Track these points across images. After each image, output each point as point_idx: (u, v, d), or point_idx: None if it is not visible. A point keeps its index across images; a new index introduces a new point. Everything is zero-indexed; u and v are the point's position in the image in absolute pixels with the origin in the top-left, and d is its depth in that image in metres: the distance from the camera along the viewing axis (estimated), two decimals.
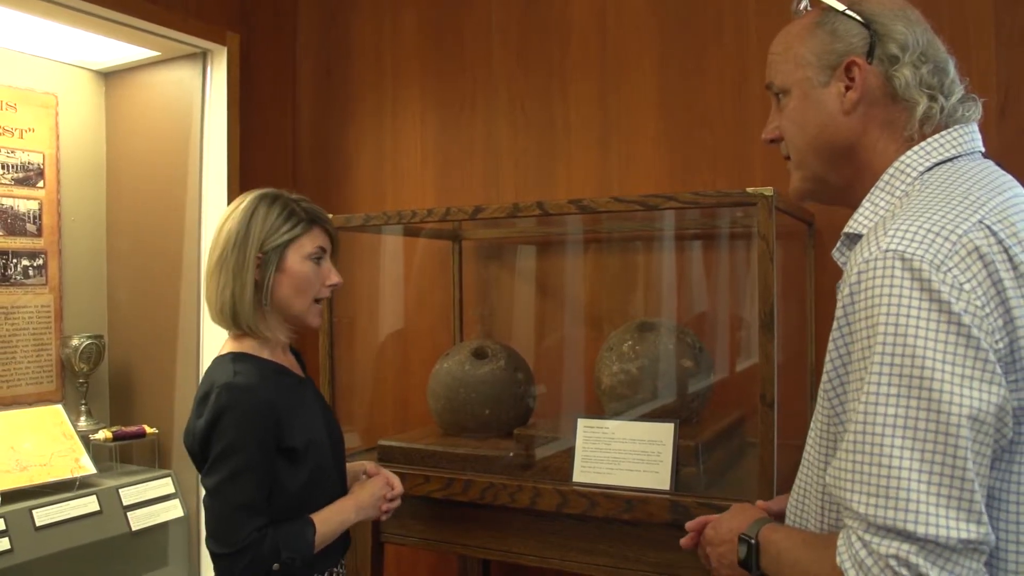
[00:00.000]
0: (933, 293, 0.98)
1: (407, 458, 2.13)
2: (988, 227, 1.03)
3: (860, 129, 1.22)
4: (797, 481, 1.28)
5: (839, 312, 1.08)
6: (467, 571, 2.60)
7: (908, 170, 1.17)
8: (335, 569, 1.76)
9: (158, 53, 2.79)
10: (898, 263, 1.00)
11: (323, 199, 2.96)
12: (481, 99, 2.71)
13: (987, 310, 0.98)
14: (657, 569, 1.82)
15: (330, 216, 1.84)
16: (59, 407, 2.66)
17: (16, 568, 2.23)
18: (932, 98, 1.18)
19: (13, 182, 2.69)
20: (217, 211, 2.72)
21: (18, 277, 2.69)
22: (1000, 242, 1.02)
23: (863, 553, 0.99)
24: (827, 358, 1.12)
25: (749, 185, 1.77)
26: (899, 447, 0.97)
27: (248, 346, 1.71)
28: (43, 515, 2.35)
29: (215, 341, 2.71)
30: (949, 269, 0.99)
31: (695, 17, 2.40)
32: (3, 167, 2.66)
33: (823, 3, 1.25)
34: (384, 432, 2.45)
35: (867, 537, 0.99)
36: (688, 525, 1.45)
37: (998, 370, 0.97)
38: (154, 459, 2.78)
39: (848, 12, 1.22)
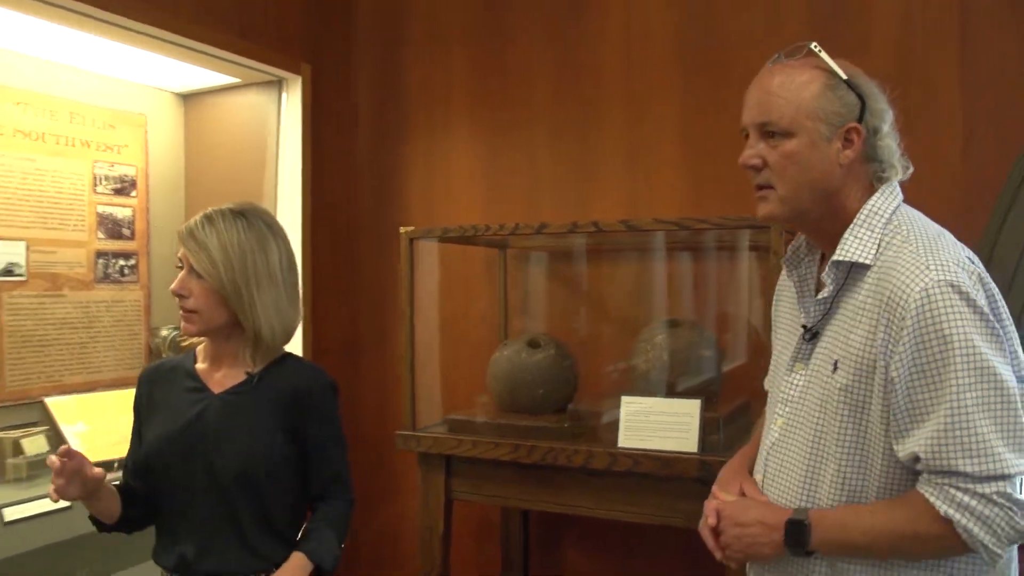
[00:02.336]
0: (977, 308, 1.35)
1: (475, 430, 2.55)
2: (971, 260, 1.43)
3: (844, 178, 1.50)
4: (771, 464, 1.59)
5: (906, 325, 1.37)
6: (508, 523, 3.02)
7: (881, 212, 1.49)
8: None
9: (238, 80, 3.18)
10: (952, 290, 1.35)
11: (379, 213, 3.39)
12: (523, 127, 3.13)
13: (993, 316, 1.38)
14: (687, 516, 2.24)
15: (403, 229, 2.28)
16: None
17: None
18: (898, 161, 1.53)
19: (112, 192, 3.08)
20: (293, 222, 3.13)
21: (117, 275, 3.08)
22: (980, 268, 1.43)
23: (966, 498, 1.33)
24: (882, 360, 1.40)
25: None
26: (983, 419, 1.33)
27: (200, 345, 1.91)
28: None
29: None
30: (978, 292, 1.37)
31: (710, 59, 2.84)
32: (105, 179, 3.05)
33: (829, 67, 1.50)
34: (443, 410, 2.86)
35: (969, 486, 1.33)
36: (710, 511, 1.60)
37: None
38: None
39: (850, 83, 1.49)
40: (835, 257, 1.49)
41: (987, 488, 1.33)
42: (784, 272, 1.73)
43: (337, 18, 3.40)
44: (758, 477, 1.62)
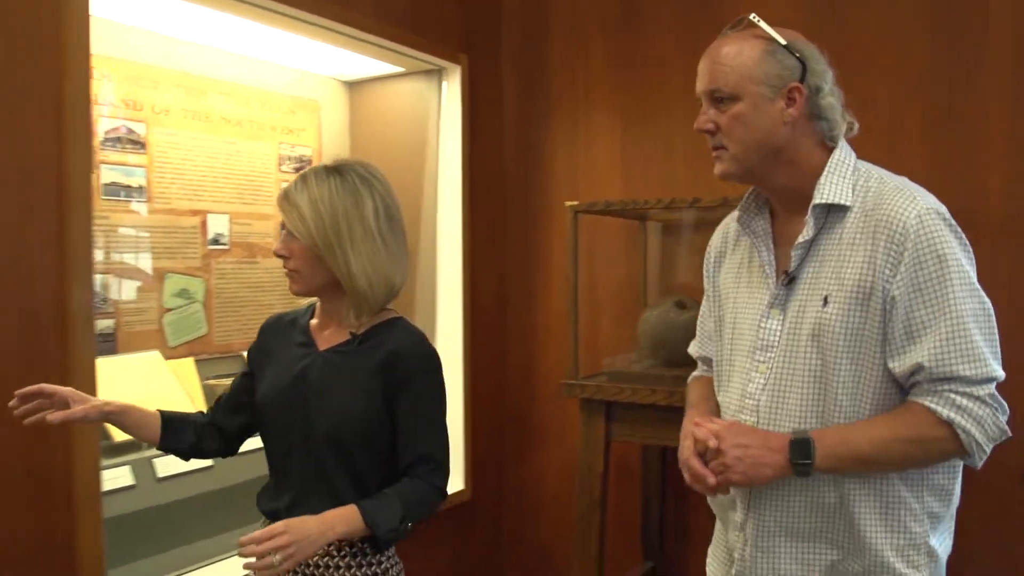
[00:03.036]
0: (959, 234, 1.56)
1: (630, 378, 2.88)
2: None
3: (791, 135, 1.63)
4: (764, 406, 1.66)
5: (906, 247, 1.52)
6: (648, 465, 3.34)
7: (846, 163, 1.64)
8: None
9: (402, 69, 3.54)
10: (938, 217, 1.54)
11: (526, 191, 3.73)
12: (659, 114, 3.43)
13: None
14: None
15: (568, 203, 2.59)
16: None
17: None
18: (842, 116, 1.67)
19: (293, 171, 3.47)
20: (453, 200, 3.50)
21: None
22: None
23: (965, 401, 1.50)
24: (882, 283, 1.54)
25: None
26: (975, 329, 1.51)
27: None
28: None
29: (448, 303, 3.51)
30: (954, 223, 1.57)
31: (835, 48, 3.08)
32: (287, 159, 3.44)
33: (767, 33, 1.64)
34: (589, 365, 3.20)
35: (967, 389, 1.50)
36: (706, 435, 1.59)
37: None
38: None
39: (789, 47, 1.62)
40: (817, 201, 1.61)
41: (981, 391, 1.51)
42: (720, 234, 1.93)
43: (488, 12, 3.74)
44: (750, 420, 1.67)
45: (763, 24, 1.64)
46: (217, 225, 3.16)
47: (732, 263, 1.85)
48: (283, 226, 1.81)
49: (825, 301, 1.58)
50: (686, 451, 1.63)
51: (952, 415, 1.51)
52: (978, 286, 1.55)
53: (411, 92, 3.61)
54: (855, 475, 1.59)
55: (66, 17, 2.10)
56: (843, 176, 1.62)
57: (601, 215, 3.12)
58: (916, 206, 1.54)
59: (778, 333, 1.66)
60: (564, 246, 3.21)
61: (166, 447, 1.86)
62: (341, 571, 1.74)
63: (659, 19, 3.40)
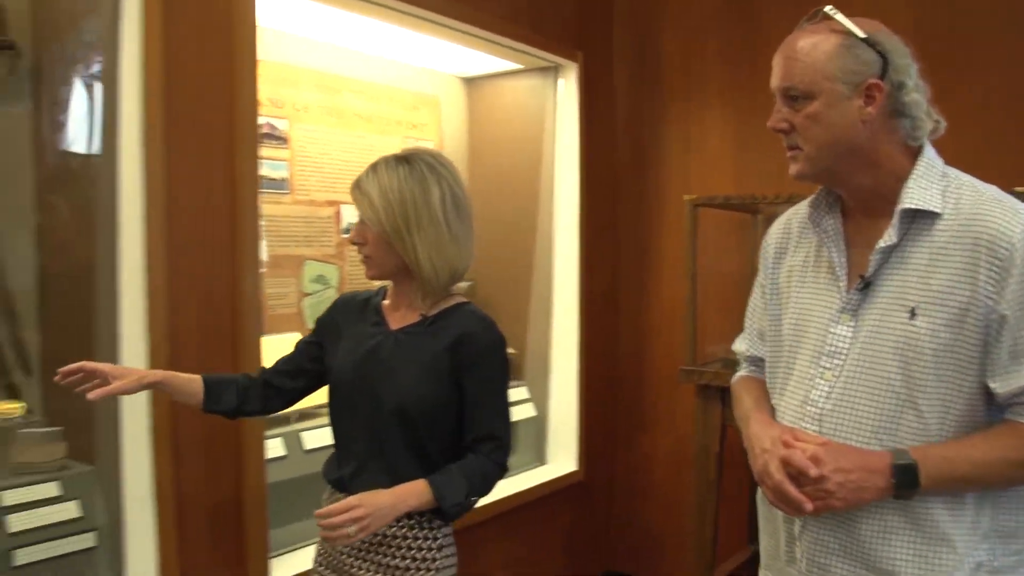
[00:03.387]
0: None
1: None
2: None
3: (871, 136, 1.51)
4: (828, 416, 1.55)
5: (1015, 264, 1.42)
6: None
7: (935, 166, 1.54)
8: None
9: (520, 66, 3.68)
10: None
11: (638, 185, 3.84)
12: (772, 106, 3.49)
13: None
14: None
15: (687, 197, 2.68)
16: None
17: None
18: (927, 114, 1.54)
19: None
20: (570, 195, 3.63)
21: None
22: None
23: None
24: (982, 301, 1.44)
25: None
26: None
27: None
28: None
29: (563, 294, 3.64)
30: None
31: (949, 47, 3.11)
32: None
33: (845, 27, 1.52)
34: (698, 354, 3.30)
35: None
36: (804, 463, 1.46)
37: None
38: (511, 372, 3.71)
39: (868, 40, 1.50)
40: (905, 205, 1.50)
41: None
42: (781, 228, 1.79)
43: (602, 9, 3.85)
44: (812, 429, 1.56)
45: (840, 16, 1.54)
46: (350, 215, 3.35)
47: (795, 260, 1.73)
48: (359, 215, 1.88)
49: (912, 313, 1.48)
50: (774, 472, 1.48)
51: None
52: None
53: (528, 88, 3.75)
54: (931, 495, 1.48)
55: (237, 28, 2.30)
56: (932, 181, 1.52)
57: (719, 208, 3.22)
58: (1022, 220, 1.45)
59: (848, 340, 1.55)
60: (676, 238, 3.32)
61: (210, 409, 1.91)
62: (398, 541, 1.82)
63: (772, 12, 3.47)
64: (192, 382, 1.88)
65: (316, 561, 1.95)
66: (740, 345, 1.89)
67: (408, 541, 1.80)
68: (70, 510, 2.13)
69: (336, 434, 1.93)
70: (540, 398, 3.70)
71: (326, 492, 1.92)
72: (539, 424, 3.69)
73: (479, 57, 3.55)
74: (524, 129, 3.75)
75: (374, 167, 1.83)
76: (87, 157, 2.29)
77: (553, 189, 3.69)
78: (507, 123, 3.80)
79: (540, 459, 3.72)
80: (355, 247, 1.90)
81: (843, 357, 1.55)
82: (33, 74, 2.36)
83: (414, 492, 1.73)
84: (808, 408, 1.58)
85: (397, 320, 1.88)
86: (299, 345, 2.02)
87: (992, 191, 1.52)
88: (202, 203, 2.23)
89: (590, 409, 3.72)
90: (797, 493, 1.45)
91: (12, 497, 2.04)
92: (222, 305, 2.26)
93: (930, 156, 1.55)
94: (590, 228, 3.71)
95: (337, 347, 1.93)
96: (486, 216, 3.83)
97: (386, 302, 1.94)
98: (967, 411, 1.47)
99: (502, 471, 1.86)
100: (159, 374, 1.84)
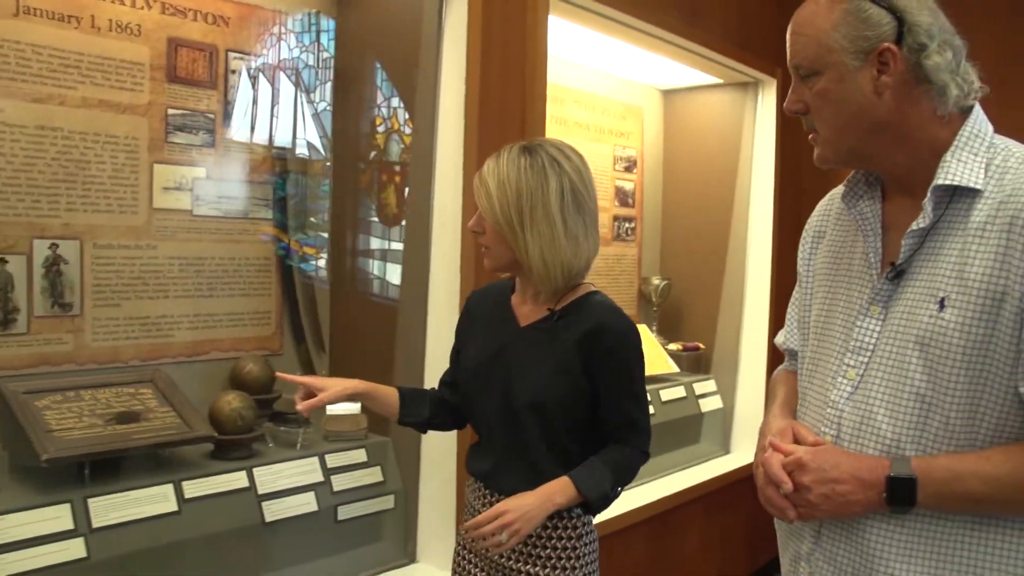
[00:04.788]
0: None
1: None
2: None
3: (894, 107, 1.33)
4: (848, 418, 1.39)
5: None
6: None
7: (981, 135, 1.34)
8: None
9: (720, 80, 3.94)
10: None
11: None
12: None
13: None
14: None
15: None
16: (644, 326, 3.89)
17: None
18: (955, 80, 1.32)
19: (623, 170, 3.93)
20: (764, 206, 3.88)
21: (624, 235, 3.94)
22: None
23: None
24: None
25: None
26: None
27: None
28: (668, 393, 3.60)
29: (754, 296, 3.87)
30: None
31: None
32: (619, 159, 3.91)
33: None
34: None
35: None
36: (781, 473, 1.36)
37: None
38: (699, 366, 3.99)
39: (877, 0, 1.31)
40: (939, 181, 1.31)
41: None
42: (821, 212, 1.64)
43: None
44: (829, 433, 1.41)
45: None
46: None
47: (831, 247, 1.56)
48: None
49: (942, 304, 1.29)
50: (759, 476, 1.42)
51: None
52: None
53: (726, 102, 4.01)
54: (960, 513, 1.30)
55: (531, 55, 2.62)
56: (975, 153, 1.32)
57: None
58: None
59: (876, 335, 1.38)
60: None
61: (404, 421, 1.94)
62: (547, 530, 1.79)
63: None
64: (390, 394, 1.91)
65: (456, 553, 1.96)
66: (780, 338, 1.76)
67: (549, 531, 1.78)
68: (375, 474, 2.48)
69: (475, 427, 1.94)
70: (727, 391, 3.96)
71: (469, 481, 1.93)
72: (725, 416, 3.96)
73: (681, 70, 3.80)
74: (720, 140, 4.02)
75: (497, 156, 1.77)
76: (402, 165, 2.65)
77: (749, 198, 3.94)
78: (704, 133, 4.07)
79: (725, 448, 3.98)
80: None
81: (868, 354, 1.38)
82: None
83: (559, 490, 1.71)
84: (827, 411, 1.43)
85: (525, 315, 1.84)
86: (451, 357, 2.02)
87: None
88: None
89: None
90: (779, 499, 1.36)
91: (332, 460, 2.41)
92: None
93: (975, 124, 1.35)
94: (783, 237, 3.94)
95: (469, 345, 1.93)
96: (679, 217, 4.13)
97: (515, 297, 1.89)
98: (1002, 421, 1.27)
99: (644, 458, 1.83)
100: (362, 385, 1.87)
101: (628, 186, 3.97)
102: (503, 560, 1.81)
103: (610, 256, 3.89)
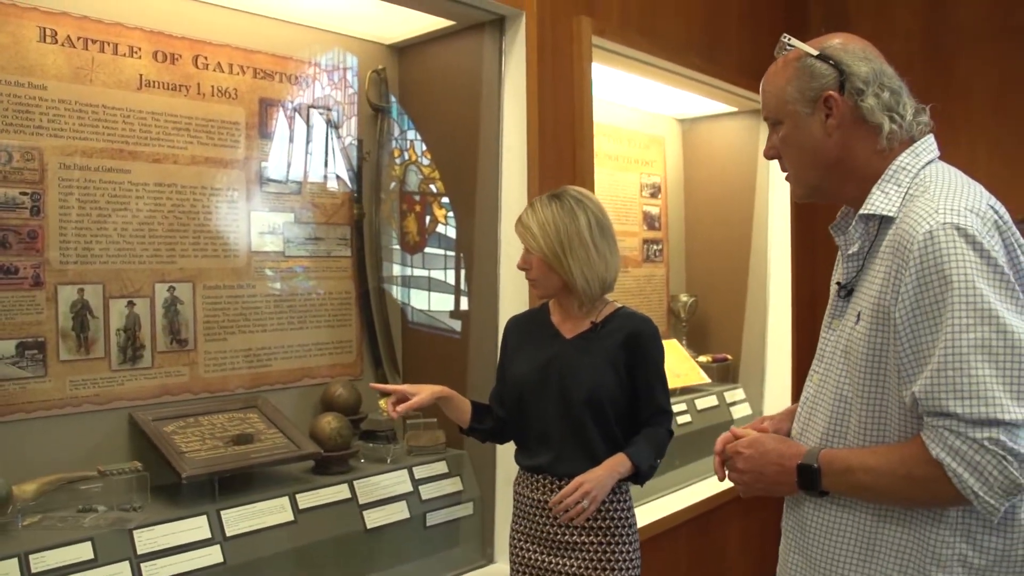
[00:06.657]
0: (985, 253, 1.33)
1: None
2: (993, 208, 1.41)
3: (842, 145, 1.53)
4: (801, 417, 1.63)
5: (909, 267, 1.36)
6: None
7: (908, 168, 1.49)
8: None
9: (735, 108, 4.22)
10: (958, 233, 1.33)
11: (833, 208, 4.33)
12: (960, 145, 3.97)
13: (1009, 266, 1.35)
14: None
15: None
16: (674, 340, 4.15)
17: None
18: (891, 119, 1.50)
19: (649, 196, 4.22)
20: (781, 219, 4.17)
21: (653, 256, 4.22)
22: (1002, 218, 1.41)
23: (957, 442, 1.30)
24: (892, 305, 1.40)
25: None
26: (981, 362, 1.30)
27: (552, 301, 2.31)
28: (702, 402, 3.86)
29: (777, 301, 4.14)
30: (991, 237, 1.35)
31: None
32: (645, 186, 4.20)
33: (800, 49, 1.56)
34: None
35: (961, 429, 1.30)
36: (721, 448, 1.68)
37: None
38: (727, 376, 4.25)
39: (820, 56, 1.53)
40: (860, 211, 1.51)
41: (979, 433, 1.29)
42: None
43: None
44: (796, 428, 1.65)
45: (795, 41, 1.59)
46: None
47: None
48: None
49: (858, 318, 1.48)
50: (719, 442, 1.70)
51: (942, 455, 1.33)
52: (1002, 313, 1.31)
53: (740, 128, 4.30)
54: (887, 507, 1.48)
55: (578, 101, 2.92)
56: (898, 184, 1.49)
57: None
58: (931, 221, 1.37)
59: (831, 344, 1.59)
60: None
61: (471, 429, 2.29)
62: (604, 504, 2.14)
63: (964, 62, 3.93)
64: (466, 403, 2.28)
65: (512, 539, 2.27)
66: None
67: (606, 504, 2.14)
68: (455, 484, 2.75)
69: (527, 429, 2.24)
70: (755, 397, 4.22)
71: (518, 474, 2.27)
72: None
73: (701, 101, 4.08)
74: (737, 163, 4.30)
75: (532, 205, 2.21)
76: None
77: (767, 216, 4.22)
78: (721, 158, 4.36)
79: None
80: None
81: (824, 361, 1.60)
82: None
83: (621, 463, 2.11)
84: (799, 410, 1.67)
85: (569, 330, 2.23)
86: (498, 374, 2.38)
87: (943, 187, 1.44)
88: None
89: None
90: (718, 466, 1.68)
91: (419, 472, 2.67)
92: None
93: (905, 157, 1.52)
94: (800, 247, 4.22)
95: (517, 359, 2.28)
96: (701, 237, 4.42)
97: (555, 317, 2.27)
98: (903, 422, 1.43)
99: (671, 436, 2.25)
100: (447, 391, 2.23)
101: (654, 210, 4.25)
102: (563, 536, 2.15)
103: (640, 277, 4.17)
